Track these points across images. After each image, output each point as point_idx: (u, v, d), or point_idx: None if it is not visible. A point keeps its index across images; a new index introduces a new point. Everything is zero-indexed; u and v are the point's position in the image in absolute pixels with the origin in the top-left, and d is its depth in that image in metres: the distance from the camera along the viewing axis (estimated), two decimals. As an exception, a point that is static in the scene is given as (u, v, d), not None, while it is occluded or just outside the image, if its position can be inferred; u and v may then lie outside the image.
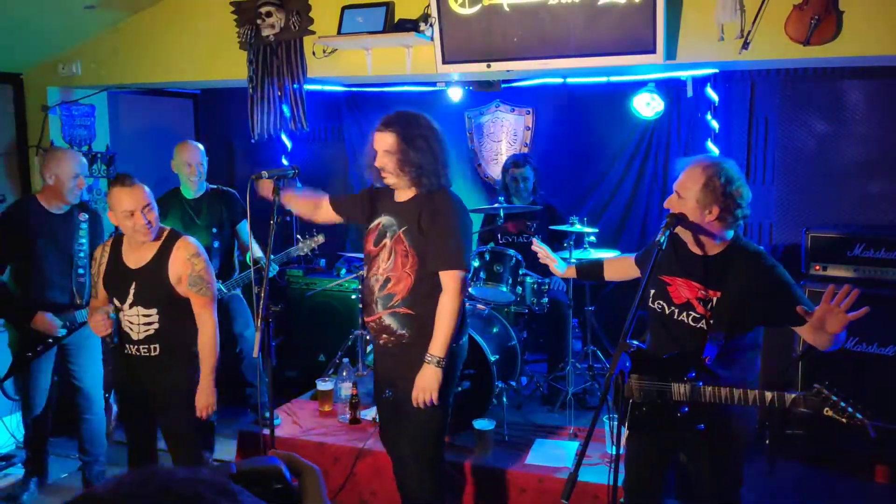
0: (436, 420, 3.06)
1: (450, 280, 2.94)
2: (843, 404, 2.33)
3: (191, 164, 4.43)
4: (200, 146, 4.55)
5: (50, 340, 3.86)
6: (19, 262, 3.88)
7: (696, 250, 2.65)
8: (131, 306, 3.17)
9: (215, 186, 4.63)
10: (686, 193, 2.55)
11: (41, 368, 4.01)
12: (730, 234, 2.61)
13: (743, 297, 2.52)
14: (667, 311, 2.69)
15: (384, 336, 3.04)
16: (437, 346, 2.93)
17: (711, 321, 2.55)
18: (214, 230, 4.45)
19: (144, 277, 3.17)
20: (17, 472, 4.44)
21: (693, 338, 2.59)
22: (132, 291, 3.16)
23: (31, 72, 5.14)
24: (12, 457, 4.58)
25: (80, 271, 3.88)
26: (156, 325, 3.18)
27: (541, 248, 3.33)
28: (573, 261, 3.48)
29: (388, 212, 3.05)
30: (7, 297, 3.89)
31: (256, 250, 4.39)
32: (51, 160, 3.86)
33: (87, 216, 3.95)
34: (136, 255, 3.21)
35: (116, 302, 3.22)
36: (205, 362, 3.22)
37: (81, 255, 3.89)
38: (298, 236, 4.58)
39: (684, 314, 2.63)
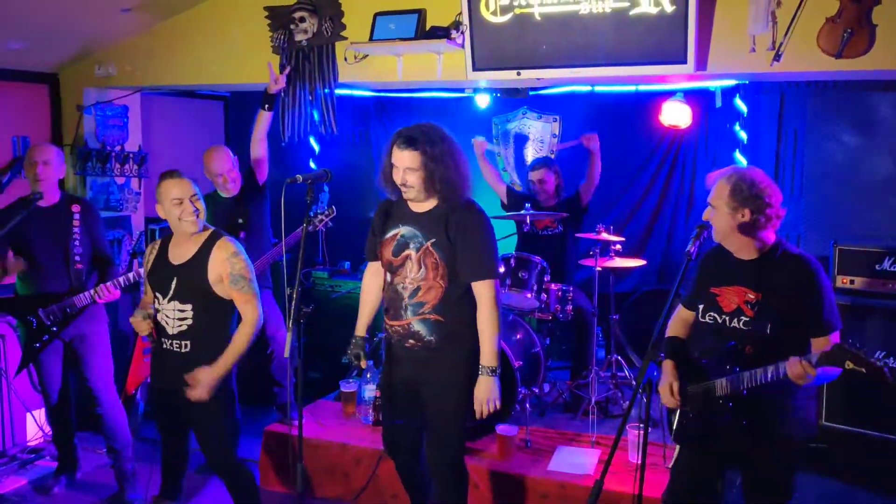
0: (462, 424, 3.14)
1: (485, 290, 3.00)
2: (862, 356, 2.41)
3: (221, 174, 4.42)
4: (228, 151, 4.51)
5: (54, 329, 3.93)
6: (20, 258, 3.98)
7: (741, 256, 2.77)
8: (169, 301, 3.24)
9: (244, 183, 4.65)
10: (717, 203, 2.71)
11: (50, 362, 4.08)
12: (770, 237, 2.73)
13: (786, 298, 2.64)
14: (719, 321, 2.80)
15: (411, 341, 3.08)
16: (489, 356, 2.99)
17: (760, 321, 2.68)
18: (240, 220, 4.47)
19: (185, 273, 3.24)
20: (47, 463, 4.53)
21: (745, 340, 2.71)
22: (173, 286, 3.24)
23: (67, 72, 5.25)
24: (41, 449, 4.67)
25: (77, 258, 3.95)
26: (189, 322, 3.23)
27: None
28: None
29: (408, 222, 3.08)
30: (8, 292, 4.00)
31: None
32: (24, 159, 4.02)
33: (79, 207, 4.03)
34: (180, 252, 3.29)
35: (159, 296, 3.29)
36: (231, 348, 3.23)
37: (77, 244, 3.96)
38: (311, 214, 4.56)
39: (735, 320, 2.75)
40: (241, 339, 3.24)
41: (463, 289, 3.04)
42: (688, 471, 2.93)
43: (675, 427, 2.88)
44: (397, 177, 3.00)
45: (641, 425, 3.81)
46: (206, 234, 3.31)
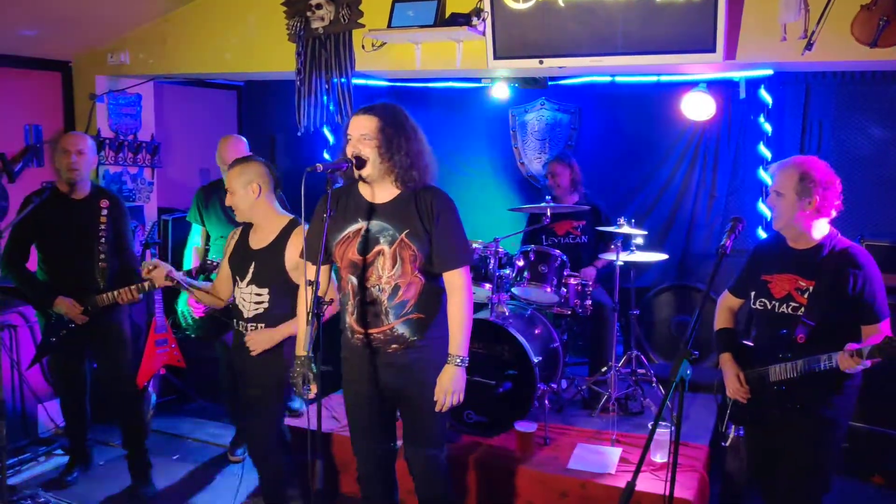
0: (446, 423, 3.11)
1: (459, 278, 2.87)
2: None
3: (225, 163, 4.37)
4: (243, 141, 4.46)
5: (72, 326, 3.87)
6: (43, 249, 3.92)
7: (795, 245, 2.89)
8: (248, 284, 3.28)
9: None
10: (785, 190, 2.79)
11: (67, 355, 4.02)
12: (826, 227, 2.85)
13: (836, 287, 2.75)
14: (769, 307, 2.92)
15: (394, 346, 2.89)
16: (459, 345, 2.87)
17: (809, 307, 2.78)
18: None
19: (263, 258, 3.27)
20: (60, 456, 4.48)
21: (793, 325, 2.82)
22: (251, 270, 3.27)
23: (80, 60, 5.18)
24: (54, 441, 4.63)
25: (102, 257, 3.87)
26: (265, 305, 3.27)
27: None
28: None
29: (370, 215, 2.84)
30: (31, 282, 3.92)
31: None
32: (51, 147, 3.88)
33: (108, 202, 3.94)
34: (259, 237, 3.32)
35: (238, 280, 3.33)
36: (292, 322, 3.24)
37: (103, 240, 3.88)
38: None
39: (785, 306, 2.87)
40: (295, 322, 3.23)
41: (437, 279, 2.90)
42: (749, 446, 3.15)
43: (730, 410, 3.06)
44: (350, 149, 2.77)
45: (664, 423, 3.75)
46: (286, 220, 3.34)
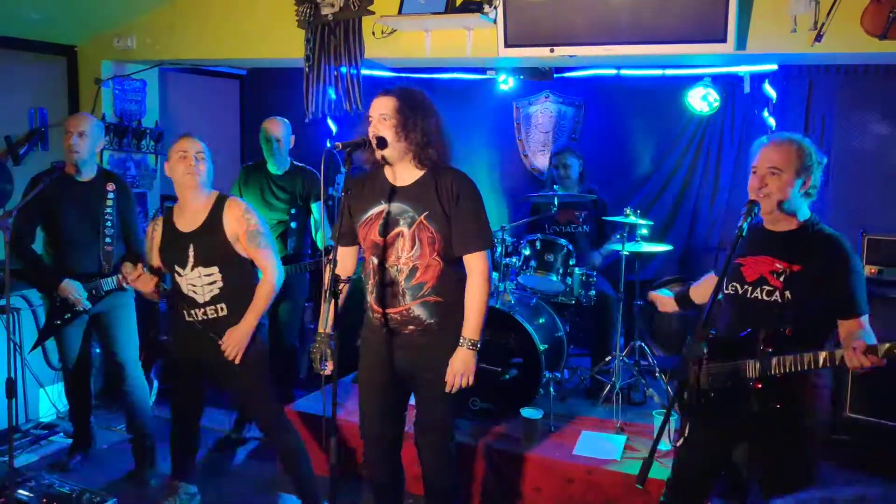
0: (458, 400, 3.04)
1: (479, 261, 2.85)
2: None
3: (269, 140, 4.41)
4: (281, 122, 4.46)
5: (77, 309, 3.85)
6: (48, 231, 3.90)
7: (775, 227, 2.65)
8: (192, 268, 3.23)
9: (299, 165, 4.57)
10: (784, 166, 2.55)
11: (71, 338, 4.01)
12: (806, 211, 2.63)
13: (817, 275, 2.52)
14: (740, 292, 2.66)
15: (410, 327, 2.90)
16: (473, 329, 2.85)
17: (786, 292, 2.54)
18: (293, 211, 4.43)
19: (201, 237, 3.25)
20: (62, 440, 4.48)
21: (767, 313, 2.57)
22: (191, 254, 3.23)
23: (86, 44, 5.16)
24: (55, 426, 4.62)
25: (108, 240, 3.87)
26: (220, 284, 3.24)
27: (658, 297, 3.32)
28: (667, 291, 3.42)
29: (392, 197, 2.85)
30: (36, 264, 3.90)
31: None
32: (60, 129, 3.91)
33: (114, 186, 3.93)
34: (188, 220, 3.29)
35: (178, 269, 3.26)
36: (254, 304, 3.26)
37: (109, 224, 3.87)
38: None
39: (758, 290, 2.62)
40: (262, 295, 3.28)
41: (458, 263, 2.89)
42: (695, 455, 2.77)
43: (687, 401, 2.62)
44: (371, 131, 2.78)
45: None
46: (213, 197, 3.33)
